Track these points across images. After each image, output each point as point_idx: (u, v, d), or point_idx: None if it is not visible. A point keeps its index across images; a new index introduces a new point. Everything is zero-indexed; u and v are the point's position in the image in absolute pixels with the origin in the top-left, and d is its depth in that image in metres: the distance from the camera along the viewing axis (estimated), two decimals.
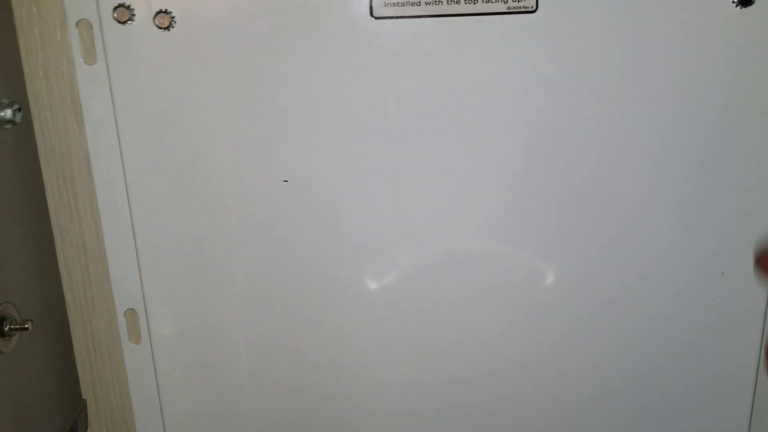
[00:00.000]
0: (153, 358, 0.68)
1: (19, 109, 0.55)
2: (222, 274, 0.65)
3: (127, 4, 0.55)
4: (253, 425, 0.70)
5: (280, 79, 0.58)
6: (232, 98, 0.58)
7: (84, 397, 0.70)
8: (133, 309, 0.67)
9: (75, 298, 0.67)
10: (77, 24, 0.58)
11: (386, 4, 0.55)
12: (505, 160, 0.60)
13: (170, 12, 0.55)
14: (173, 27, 0.56)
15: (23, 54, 0.59)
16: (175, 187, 0.61)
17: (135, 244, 0.64)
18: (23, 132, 0.59)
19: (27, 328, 0.53)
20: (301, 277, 0.64)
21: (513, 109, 0.58)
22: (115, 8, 0.55)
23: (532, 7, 0.55)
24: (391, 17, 0.55)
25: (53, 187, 0.63)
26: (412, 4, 0.55)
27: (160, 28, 0.56)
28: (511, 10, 0.55)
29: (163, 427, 0.71)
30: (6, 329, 0.52)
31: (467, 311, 0.65)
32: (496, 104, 0.58)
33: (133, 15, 0.56)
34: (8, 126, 0.55)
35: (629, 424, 0.69)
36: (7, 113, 0.54)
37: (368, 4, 0.55)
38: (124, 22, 0.56)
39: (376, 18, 0.55)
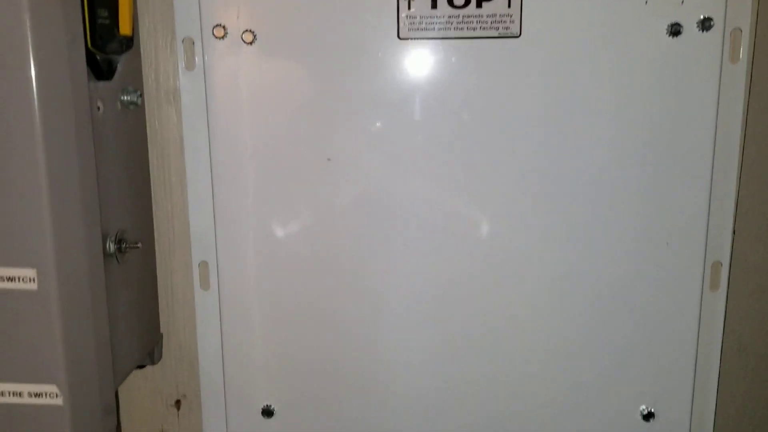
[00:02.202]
0: (219, 303, 0.86)
1: (141, 95, 0.76)
2: (281, 237, 0.83)
3: (223, 24, 0.77)
4: (301, 364, 0.87)
5: (326, 82, 0.78)
6: (293, 94, 0.79)
7: (161, 331, 0.88)
8: (205, 261, 0.86)
9: (161, 250, 0.86)
10: (183, 40, 0.80)
11: (409, 29, 0.75)
12: (504, 155, 0.79)
13: (254, 31, 0.77)
14: (255, 42, 0.77)
15: (143, 59, 0.80)
16: (248, 162, 0.81)
17: (213, 209, 0.83)
18: (138, 116, 0.80)
19: (138, 247, 0.72)
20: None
21: (503, 111, 0.78)
22: (214, 27, 0.77)
23: (516, 34, 0.75)
24: (413, 38, 0.76)
25: (153, 161, 0.84)
26: (428, 29, 0.75)
27: (246, 43, 0.77)
28: (501, 35, 0.75)
29: (222, 363, 0.88)
30: (123, 246, 0.71)
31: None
32: (489, 104, 0.77)
33: (227, 32, 0.77)
34: (132, 107, 0.75)
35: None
36: (133, 97, 0.75)
37: (396, 29, 0.76)
38: (220, 38, 0.77)
39: (402, 39, 0.76)
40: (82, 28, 0.62)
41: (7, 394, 0.61)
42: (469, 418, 0.86)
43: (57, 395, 0.61)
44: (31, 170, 0.57)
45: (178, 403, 0.91)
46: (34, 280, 0.59)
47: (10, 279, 0.59)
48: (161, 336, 0.88)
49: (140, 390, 0.91)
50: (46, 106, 0.57)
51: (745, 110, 0.80)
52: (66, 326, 0.60)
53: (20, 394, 0.61)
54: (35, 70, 0.55)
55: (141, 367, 0.88)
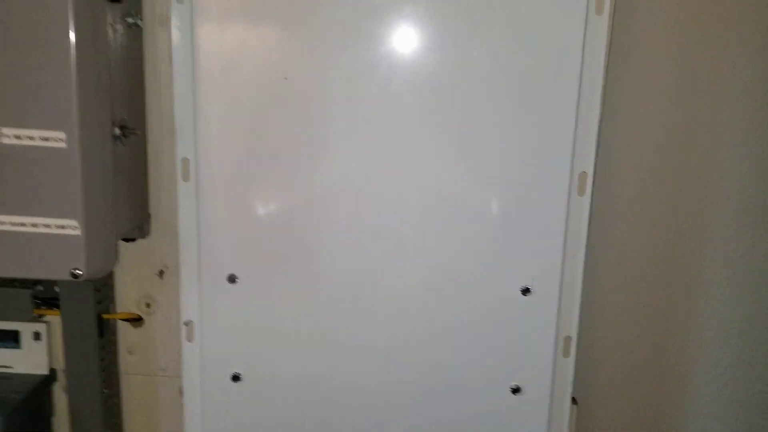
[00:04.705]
0: (197, 192, 1.08)
1: (141, 19, 0.98)
2: (250, 140, 1.05)
3: None
4: (261, 241, 1.09)
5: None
6: (262, 22, 1.01)
7: (150, 212, 1.11)
8: (187, 158, 1.08)
9: (152, 148, 1.09)
10: None
11: None
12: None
13: None
14: None
15: None
16: (225, 77, 1.03)
17: (194, 115, 1.05)
18: (138, 36, 1.02)
19: (137, 133, 0.95)
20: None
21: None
22: None
23: None
24: None
25: (147, 73, 1.06)
26: None
27: None
28: None
29: (198, 240, 1.10)
30: (125, 132, 0.94)
31: None
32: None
33: None
34: (134, 27, 0.98)
35: None
36: (136, 19, 0.97)
37: None
38: None
39: None
40: None
41: (40, 226, 0.84)
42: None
43: (77, 228, 0.84)
44: (65, 60, 0.80)
45: (161, 272, 1.14)
46: (63, 140, 0.81)
47: (46, 139, 0.81)
48: (149, 215, 1.11)
49: (131, 261, 1.14)
50: (78, 16, 0.79)
51: (611, 28, 1.02)
52: (85, 176, 0.83)
53: (49, 226, 0.84)
54: None
55: (133, 240, 1.11)
